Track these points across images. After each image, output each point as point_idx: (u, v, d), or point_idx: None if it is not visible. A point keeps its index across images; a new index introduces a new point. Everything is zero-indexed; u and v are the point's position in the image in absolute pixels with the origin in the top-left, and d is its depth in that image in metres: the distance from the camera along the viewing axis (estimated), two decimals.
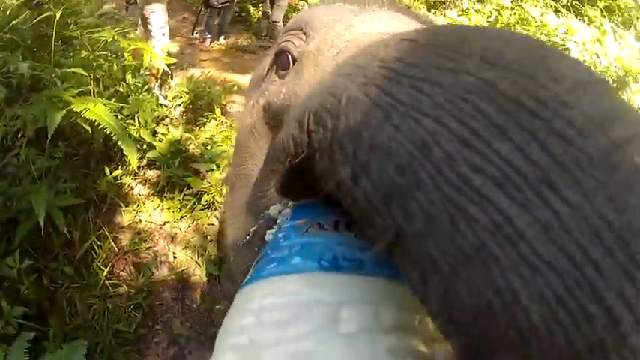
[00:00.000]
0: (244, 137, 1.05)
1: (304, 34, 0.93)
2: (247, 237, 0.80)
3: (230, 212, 1.06)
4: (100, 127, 2.41)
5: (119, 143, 2.49)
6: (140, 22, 4.02)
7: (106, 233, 2.56)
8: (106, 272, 2.40)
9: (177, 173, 3.08)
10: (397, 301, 0.40)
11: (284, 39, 0.98)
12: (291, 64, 0.93)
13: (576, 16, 5.51)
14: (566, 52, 3.59)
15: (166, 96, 3.91)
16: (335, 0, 1.22)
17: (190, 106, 4.01)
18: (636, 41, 4.85)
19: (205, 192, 3.07)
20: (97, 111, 2.39)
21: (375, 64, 0.38)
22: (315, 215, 0.51)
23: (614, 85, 4.13)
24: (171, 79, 4.23)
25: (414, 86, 0.33)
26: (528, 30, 4.86)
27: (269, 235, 0.67)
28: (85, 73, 2.55)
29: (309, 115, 0.41)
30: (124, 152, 2.52)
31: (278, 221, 0.68)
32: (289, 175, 0.51)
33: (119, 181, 2.89)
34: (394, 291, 0.41)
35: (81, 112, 2.33)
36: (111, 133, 2.43)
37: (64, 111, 2.26)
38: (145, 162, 3.14)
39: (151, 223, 2.86)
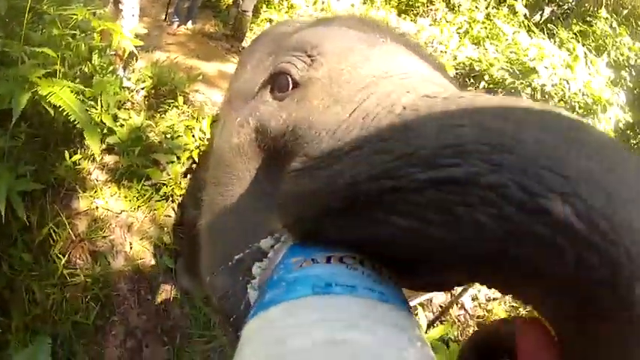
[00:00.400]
0: (230, 157, 1.05)
1: (309, 57, 0.95)
2: (230, 263, 0.86)
3: (212, 231, 1.07)
4: (63, 112, 2.53)
5: (83, 132, 2.63)
6: (111, 0, 4.11)
7: (64, 220, 2.66)
8: (63, 261, 2.50)
9: (137, 162, 3.19)
10: (389, 321, 0.46)
11: (284, 59, 0.99)
12: (291, 87, 0.93)
13: (549, 38, 5.88)
14: (536, 75, 3.91)
15: (130, 78, 4.02)
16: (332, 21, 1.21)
17: (153, 92, 4.10)
18: (608, 68, 5.24)
19: (164, 184, 3.20)
20: (62, 95, 2.49)
21: None
22: (309, 252, 0.57)
23: (581, 112, 4.50)
24: (136, 61, 4.33)
25: None
26: (497, 45, 5.18)
27: (257, 269, 0.75)
28: (53, 54, 2.67)
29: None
30: (87, 141, 2.65)
31: (269, 255, 0.75)
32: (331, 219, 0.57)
33: (78, 166, 2.99)
34: (386, 311, 0.47)
35: (47, 95, 2.42)
36: (74, 120, 2.58)
37: (30, 93, 2.36)
38: (104, 146, 3.23)
39: (108, 210, 2.96)
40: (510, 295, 0.49)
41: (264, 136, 0.93)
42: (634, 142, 7.71)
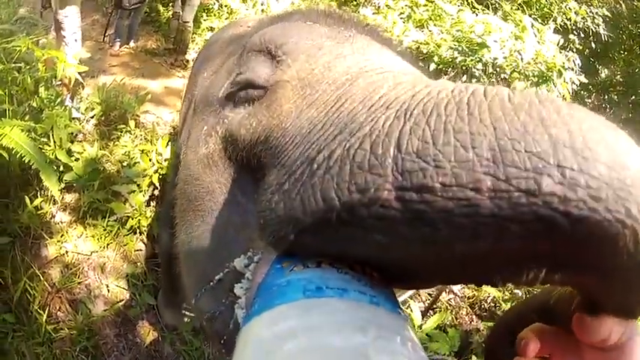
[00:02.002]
0: (199, 169, 1.01)
1: (274, 57, 0.91)
2: (211, 284, 0.85)
3: (188, 252, 1.02)
4: (17, 154, 2.46)
5: (40, 174, 2.57)
6: (53, 27, 4.00)
7: (37, 272, 2.60)
8: (45, 317, 2.45)
9: (98, 197, 3.12)
10: (380, 323, 0.47)
11: (248, 61, 0.96)
12: (257, 90, 0.90)
13: (494, 12, 6.02)
14: (486, 50, 3.97)
15: (79, 108, 3.93)
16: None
17: (103, 118, 4.02)
18: (554, 34, 5.40)
19: (129, 216, 3.14)
20: (14, 136, 2.44)
21: None
22: (299, 258, 0.59)
23: (536, 80, 4.64)
24: (83, 88, 4.23)
25: None
26: (442, 26, 5.26)
27: (240, 290, 0.76)
28: (1, 92, 2.59)
29: None
30: (46, 182, 2.59)
31: (247, 275, 0.76)
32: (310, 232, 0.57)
33: (40, 211, 2.91)
34: (377, 314, 0.49)
35: None
36: (29, 161, 2.50)
37: None
38: (62, 185, 3.14)
39: (78, 253, 2.91)
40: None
41: (235, 146, 0.90)
42: (589, 101, 8.03)
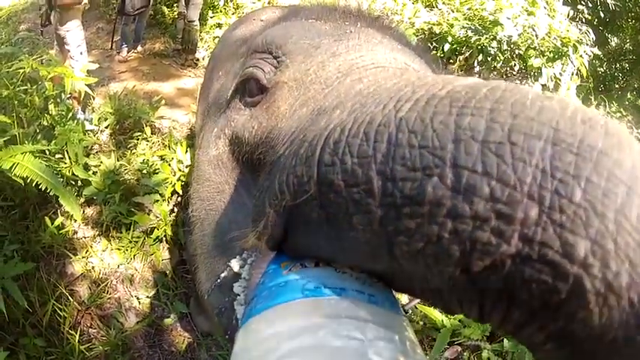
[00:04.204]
0: (209, 170, 1.06)
1: (275, 58, 0.94)
2: (218, 281, 0.89)
3: (201, 250, 1.09)
4: (32, 182, 2.40)
5: (59, 199, 2.51)
6: (55, 42, 3.96)
7: (64, 291, 2.54)
8: (77, 337, 2.39)
9: (121, 210, 3.04)
10: (378, 322, 0.47)
11: (251, 63, 0.99)
12: (260, 92, 0.93)
13: None
14: (500, 27, 3.88)
15: (92, 120, 3.87)
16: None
17: (117, 127, 3.95)
18: (564, 5, 5.30)
19: (155, 227, 3.07)
20: (26, 164, 2.37)
21: None
22: (297, 258, 0.59)
23: (553, 56, 4.52)
24: (93, 99, 4.17)
25: None
26: (451, 4, 5.15)
27: (238, 288, 0.77)
28: (8, 120, 2.53)
29: None
30: (65, 206, 2.53)
31: (244, 275, 0.77)
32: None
33: (62, 230, 2.84)
34: (375, 313, 0.49)
35: (11, 168, 2.31)
36: (47, 188, 2.45)
37: None
38: (82, 199, 3.09)
39: (104, 267, 2.84)
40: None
41: (240, 148, 0.94)
42: (600, 70, 7.91)
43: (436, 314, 2.32)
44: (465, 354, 2.33)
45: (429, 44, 5.01)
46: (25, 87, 3.07)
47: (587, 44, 4.99)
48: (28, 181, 2.37)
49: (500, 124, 0.40)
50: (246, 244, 0.71)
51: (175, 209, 3.22)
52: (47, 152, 2.88)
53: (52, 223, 2.77)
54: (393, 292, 0.58)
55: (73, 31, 3.65)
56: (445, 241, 0.39)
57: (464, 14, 5.01)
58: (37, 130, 2.99)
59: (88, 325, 2.53)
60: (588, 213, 0.35)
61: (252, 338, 0.48)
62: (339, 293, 0.50)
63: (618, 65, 8.41)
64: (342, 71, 0.76)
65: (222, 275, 0.86)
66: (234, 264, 0.79)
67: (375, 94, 0.55)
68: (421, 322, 2.45)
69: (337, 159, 0.47)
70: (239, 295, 0.77)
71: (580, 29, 4.99)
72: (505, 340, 2.45)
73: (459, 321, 2.61)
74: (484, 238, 0.38)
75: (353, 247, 0.49)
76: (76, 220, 3.00)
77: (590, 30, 5.25)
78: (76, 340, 2.39)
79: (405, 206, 0.41)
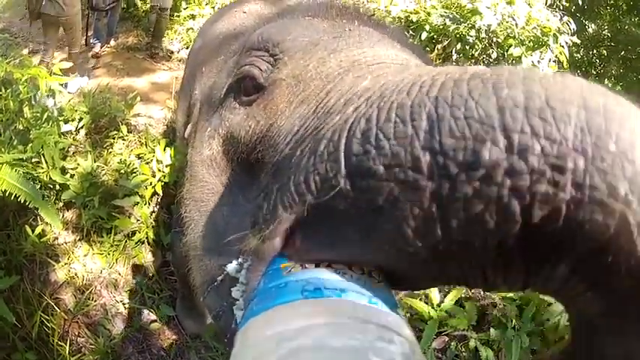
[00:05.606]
0: (203, 170, 1.05)
1: (272, 56, 0.92)
2: (215, 284, 0.88)
3: (195, 252, 1.06)
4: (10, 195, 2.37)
5: (38, 211, 2.48)
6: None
7: (50, 302, 2.53)
8: (67, 349, 2.39)
9: (101, 214, 3.00)
10: (379, 322, 0.48)
11: (246, 61, 0.97)
12: (256, 90, 0.91)
13: None
14: (478, 16, 3.89)
15: (66, 120, 3.81)
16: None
17: (92, 126, 3.87)
18: None
19: (137, 230, 3.05)
20: (4, 176, 2.35)
21: None
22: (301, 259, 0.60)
23: (533, 45, 4.58)
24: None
25: None
26: None
27: (237, 292, 0.76)
28: None
29: None
30: (45, 218, 2.50)
31: (241, 280, 0.76)
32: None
33: (43, 238, 2.82)
34: (376, 314, 0.50)
35: None
36: (25, 200, 2.42)
37: None
38: (61, 204, 3.06)
39: (88, 273, 2.83)
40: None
41: (236, 148, 0.92)
42: (577, 56, 8.02)
43: (422, 306, 2.36)
44: (452, 344, 2.38)
45: (407, 32, 5.03)
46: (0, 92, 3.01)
47: (567, 33, 5.06)
48: (7, 194, 2.35)
49: (536, 94, 0.45)
50: (246, 247, 0.71)
51: (156, 210, 3.19)
52: (24, 160, 2.85)
53: (33, 231, 2.74)
54: (393, 293, 0.60)
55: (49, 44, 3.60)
56: (505, 198, 0.43)
57: (441, 2, 5.03)
58: (13, 136, 2.93)
59: (76, 334, 2.53)
60: (622, 160, 0.42)
61: (251, 339, 0.48)
62: (340, 294, 0.50)
63: (596, 52, 8.60)
64: (344, 67, 0.76)
65: (219, 279, 0.85)
66: (231, 268, 0.78)
67: (390, 85, 0.56)
68: (407, 314, 2.49)
69: (371, 146, 0.49)
70: (238, 300, 0.77)
71: (561, 19, 5.04)
72: (492, 329, 2.51)
73: (446, 312, 2.66)
74: (542, 189, 0.42)
75: (384, 237, 0.50)
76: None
77: (571, 20, 5.32)
78: (67, 352, 2.39)
79: (460, 173, 0.44)
